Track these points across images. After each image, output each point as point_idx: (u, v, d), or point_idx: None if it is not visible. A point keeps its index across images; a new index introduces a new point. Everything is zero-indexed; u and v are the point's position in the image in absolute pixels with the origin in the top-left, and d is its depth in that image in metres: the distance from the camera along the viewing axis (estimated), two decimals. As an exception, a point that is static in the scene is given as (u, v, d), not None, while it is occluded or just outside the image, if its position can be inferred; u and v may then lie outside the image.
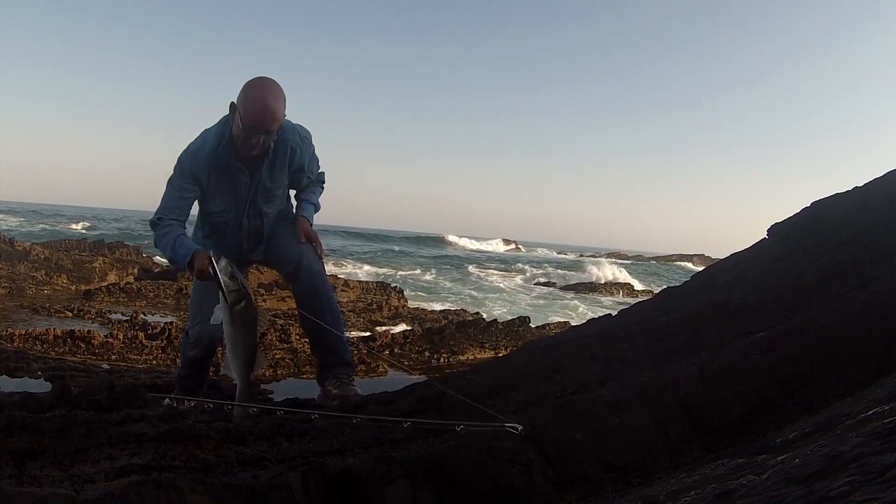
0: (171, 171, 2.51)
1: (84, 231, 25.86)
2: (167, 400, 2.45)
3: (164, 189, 2.50)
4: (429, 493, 1.48)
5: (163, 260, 13.44)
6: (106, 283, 7.84)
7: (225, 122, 2.48)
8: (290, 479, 1.43)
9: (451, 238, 46.30)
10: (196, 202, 2.58)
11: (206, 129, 2.55)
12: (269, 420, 2.01)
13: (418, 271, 19.65)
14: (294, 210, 2.79)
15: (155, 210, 2.50)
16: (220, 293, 2.16)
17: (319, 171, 2.84)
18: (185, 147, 2.53)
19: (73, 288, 7.75)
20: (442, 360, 4.35)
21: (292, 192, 2.81)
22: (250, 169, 2.51)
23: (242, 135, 2.36)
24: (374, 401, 2.35)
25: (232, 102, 2.40)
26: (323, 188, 2.89)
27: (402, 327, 5.79)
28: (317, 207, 2.79)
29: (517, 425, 1.65)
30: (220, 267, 2.17)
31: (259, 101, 2.31)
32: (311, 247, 2.62)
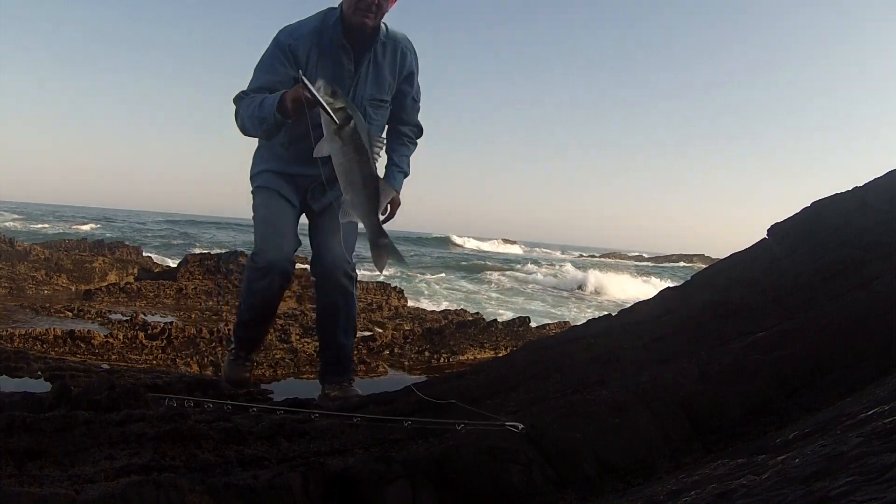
0: (262, 57, 2.28)
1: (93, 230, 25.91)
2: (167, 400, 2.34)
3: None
4: (429, 493, 1.48)
5: (163, 260, 13.42)
6: (106, 283, 7.83)
7: (327, 10, 2.30)
8: (290, 479, 1.43)
9: (456, 239, 46.30)
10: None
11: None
12: (269, 420, 2.01)
13: (428, 275, 19.65)
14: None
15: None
16: (325, 116, 1.84)
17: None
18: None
19: (73, 288, 7.75)
20: (442, 360, 4.35)
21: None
22: (356, 55, 2.28)
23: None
24: (374, 401, 2.35)
25: None
26: (416, 145, 2.58)
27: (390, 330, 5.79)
28: (406, 174, 2.52)
29: (517, 424, 1.65)
30: (319, 86, 1.85)
31: None
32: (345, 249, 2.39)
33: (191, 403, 2.15)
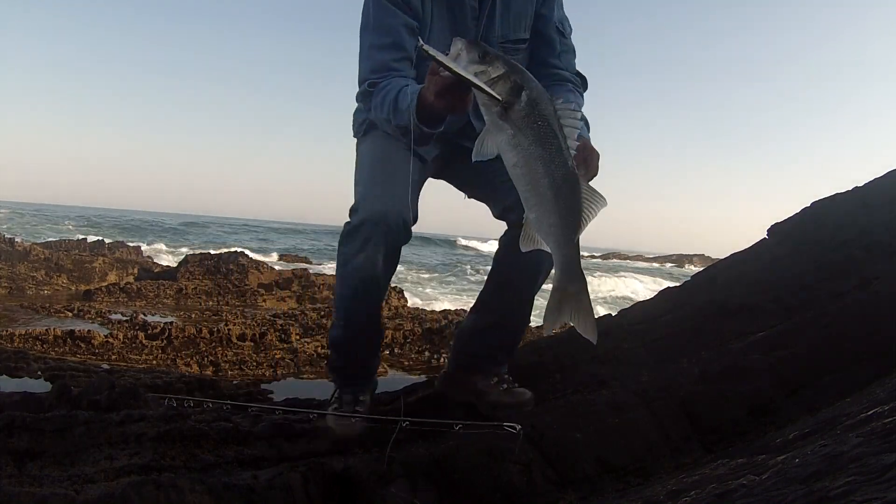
0: (362, 19, 1.72)
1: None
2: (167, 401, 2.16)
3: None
4: (429, 493, 1.48)
5: (163, 261, 13.36)
6: (106, 283, 7.83)
7: None
8: (290, 479, 1.43)
9: (462, 241, 46.32)
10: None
11: None
12: (269, 420, 2.01)
13: (428, 275, 19.63)
14: None
15: (358, 82, 1.70)
16: (479, 96, 1.22)
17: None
18: None
19: (73, 288, 7.75)
20: (442, 360, 4.35)
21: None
22: None
23: None
24: (374, 401, 2.35)
25: None
26: (583, 99, 1.87)
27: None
28: (586, 121, 1.78)
29: (517, 425, 1.65)
30: (459, 50, 1.22)
31: None
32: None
33: (191, 403, 2.15)
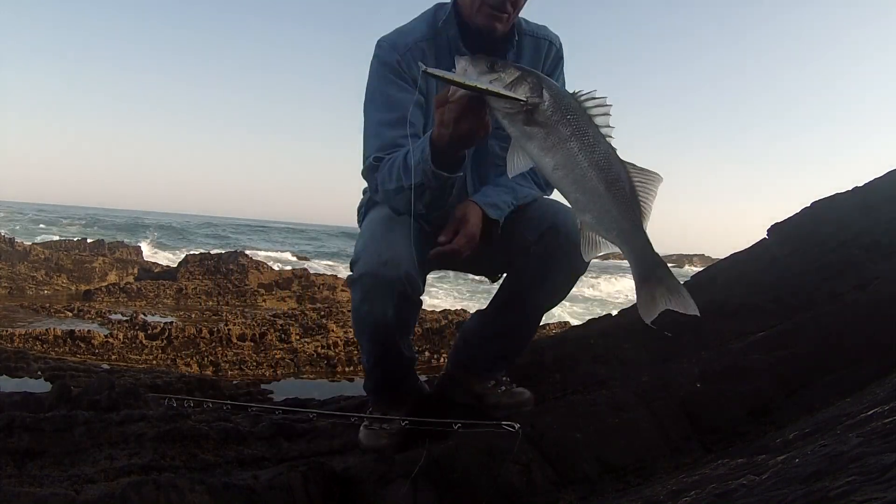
0: (366, 93, 1.67)
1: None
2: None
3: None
4: (429, 493, 1.48)
5: (162, 261, 13.35)
6: (106, 283, 7.84)
7: (436, 8, 1.72)
8: (290, 479, 1.43)
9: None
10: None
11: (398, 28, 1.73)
12: (269, 420, 2.01)
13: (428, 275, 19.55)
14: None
15: (362, 158, 1.63)
16: (497, 105, 1.15)
17: None
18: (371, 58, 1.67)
19: (73, 288, 7.75)
20: (442, 360, 4.34)
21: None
22: None
23: None
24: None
25: None
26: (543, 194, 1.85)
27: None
28: (513, 204, 1.71)
29: (516, 424, 1.65)
30: (465, 64, 1.16)
31: None
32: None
33: (191, 403, 2.15)
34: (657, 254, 1.20)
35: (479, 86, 1.11)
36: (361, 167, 1.65)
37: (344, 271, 15.84)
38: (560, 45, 1.81)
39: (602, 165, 1.14)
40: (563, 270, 1.74)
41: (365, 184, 1.76)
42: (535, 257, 1.69)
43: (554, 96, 1.13)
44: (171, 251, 18.99)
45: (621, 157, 1.16)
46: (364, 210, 1.85)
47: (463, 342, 2.07)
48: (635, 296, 1.22)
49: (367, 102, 1.67)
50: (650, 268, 1.20)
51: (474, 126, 1.23)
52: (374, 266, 1.52)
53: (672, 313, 1.22)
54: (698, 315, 1.19)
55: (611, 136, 1.16)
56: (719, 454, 1.59)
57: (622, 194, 1.15)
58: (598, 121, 1.15)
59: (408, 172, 1.40)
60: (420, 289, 1.61)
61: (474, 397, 2.01)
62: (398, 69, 1.62)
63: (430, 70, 1.13)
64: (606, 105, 1.15)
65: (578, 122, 1.13)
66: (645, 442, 1.68)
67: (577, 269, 1.76)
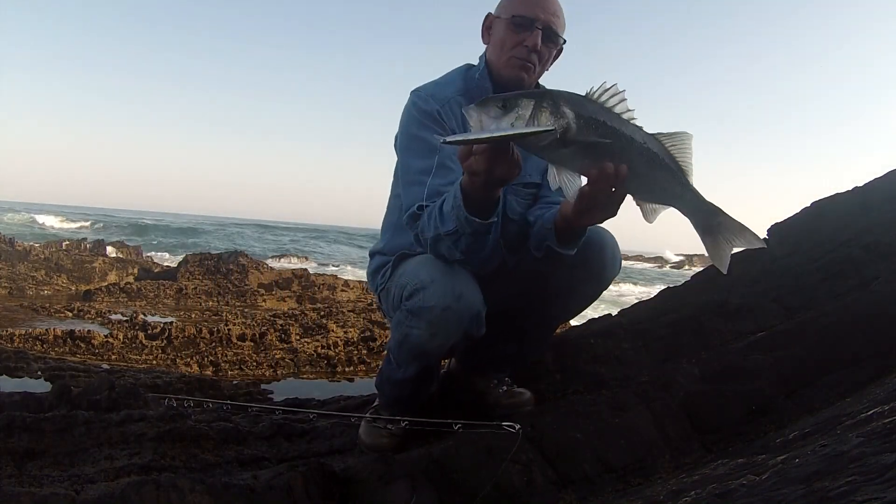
0: (402, 140, 1.69)
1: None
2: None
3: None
4: (429, 493, 1.48)
5: (163, 260, 13.36)
6: (106, 283, 7.83)
7: (467, 66, 1.78)
8: (290, 479, 1.43)
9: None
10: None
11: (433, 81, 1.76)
12: (269, 420, 2.01)
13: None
14: None
15: (402, 206, 1.63)
16: (528, 142, 1.13)
17: None
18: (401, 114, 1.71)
19: (73, 288, 7.75)
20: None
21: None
22: None
23: (508, 41, 1.63)
24: (374, 401, 2.35)
25: (485, 18, 1.74)
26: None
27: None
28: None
29: (516, 424, 1.65)
30: (478, 113, 1.12)
31: None
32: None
33: (191, 403, 2.15)
34: (710, 203, 1.29)
35: (504, 134, 1.10)
36: (402, 214, 1.62)
37: (344, 271, 15.84)
38: None
39: (642, 150, 1.21)
40: (592, 282, 1.76)
41: (375, 248, 1.84)
42: (567, 267, 1.67)
43: (576, 110, 1.14)
44: (171, 251, 18.99)
45: (648, 132, 1.24)
46: (387, 271, 1.77)
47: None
48: (704, 250, 1.32)
49: (404, 149, 1.68)
50: (707, 217, 1.30)
51: (505, 168, 1.21)
52: (448, 300, 1.49)
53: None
54: (765, 247, 1.32)
55: (634, 118, 1.21)
56: (719, 454, 1.59)
57: (664, 164, 1.24)
58: (618, 108, 1.19)
59: (443, 218, 1.41)
60: (483, 330, 1.59)
61: (476, 394, 2.02)
62: (438, 119, 1.63)
63: (449, 139, 1.11)
64: (620, 92, 1.19)
65: (607, 121, 1.17)
66: (645, 442, 1.68)
67: (606, 280, 1.76)
